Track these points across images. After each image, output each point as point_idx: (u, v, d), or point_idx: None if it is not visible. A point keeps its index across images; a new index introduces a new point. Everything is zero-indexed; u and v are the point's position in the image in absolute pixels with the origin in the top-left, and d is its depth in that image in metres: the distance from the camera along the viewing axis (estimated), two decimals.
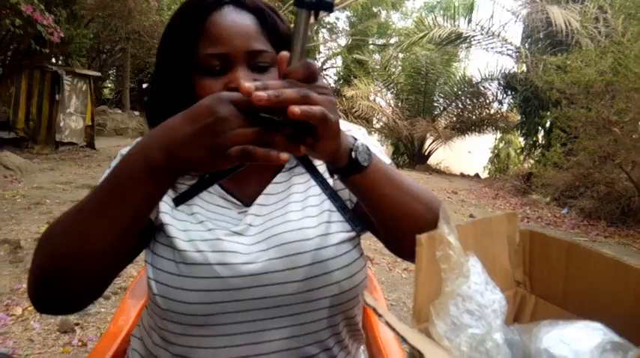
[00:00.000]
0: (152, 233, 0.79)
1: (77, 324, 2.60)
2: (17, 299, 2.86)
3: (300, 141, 0.56)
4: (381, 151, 0.89)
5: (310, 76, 0.55)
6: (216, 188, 0.82)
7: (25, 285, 3.03)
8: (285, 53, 0.56)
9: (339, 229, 0.80)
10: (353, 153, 0.63)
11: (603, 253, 0.58)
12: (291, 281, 0.74)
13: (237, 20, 0.75)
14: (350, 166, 0.63)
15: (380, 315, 0.48)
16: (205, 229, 0.77)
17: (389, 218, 0.69)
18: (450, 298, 0.54)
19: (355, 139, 0.64)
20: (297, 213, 0.80)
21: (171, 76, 0.77)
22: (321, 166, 0.85)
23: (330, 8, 0.54)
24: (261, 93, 0.51)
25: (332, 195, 0.57)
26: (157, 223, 0.79)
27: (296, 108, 0.51)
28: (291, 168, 0.86)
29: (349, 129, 0.89)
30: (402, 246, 0.73)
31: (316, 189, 0.83)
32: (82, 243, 0.59)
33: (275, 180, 0.84)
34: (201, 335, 0.74)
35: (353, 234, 0.81)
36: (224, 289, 0.72)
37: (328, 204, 0.82)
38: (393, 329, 0.46)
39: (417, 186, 0.71)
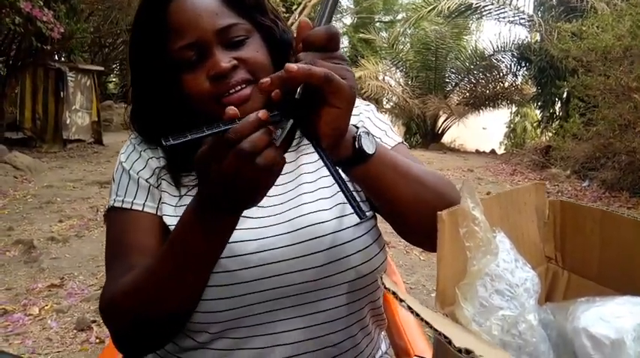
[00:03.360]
0: None
1: (94, 322, 2.62)
2: (34, 298, 2.89)
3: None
4: (391, 129, 0.85)
5: (330, 40, 0.52)
6: None
7: (40, 285, 3.08)
8: (305, 19, 0.54)
9: None
10: (356, 142, 0.59)
11: None
12: (310, 268, 0.71)
13: (196, 2, 0.71)
14: (354, 156, 0.59)
15: (401, 300, 0.43)
16: None
17: (397, 208, 0.65)
18: (478, 278, 0.49)
19: (357, 128, 0.60)
20: (310, 194, 0.77)
21: (152, 80, 0.75)
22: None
23: None
24: (266, 79, 0.49)
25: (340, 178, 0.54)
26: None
27: (294, 66, 0.48)
28: (297, 146, 0.82)
29: (357, 105, 0.85)
30: (413, 235, 0.70)
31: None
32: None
33: None
34: (219, 331, 0.71)
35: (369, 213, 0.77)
36: (236, 283, 0.69)
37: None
38: (417, 315, 0.42)
39: (425, 172, 0.67)
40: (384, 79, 14.08)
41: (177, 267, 0.61)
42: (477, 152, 12.73)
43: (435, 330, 0.40)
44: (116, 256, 0.72)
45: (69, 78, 8.76)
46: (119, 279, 0.67)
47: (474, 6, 10.96)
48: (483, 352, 0.36)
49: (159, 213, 0.75)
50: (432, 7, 11.11)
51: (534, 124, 13.33)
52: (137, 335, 0.67)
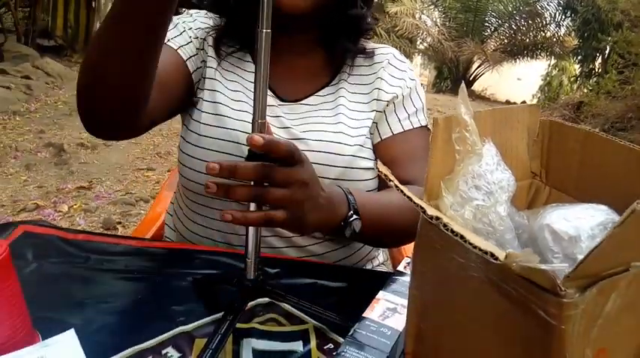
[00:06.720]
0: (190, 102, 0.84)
1: (119, 223, 2.78)
2: (63, 197, 3.06)
3: None
4: (423, 109, 0.90)
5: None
6: None
7: (69, 186, 3.24)
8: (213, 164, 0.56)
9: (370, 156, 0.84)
10: (347, 231, 0.70)
11: (619, 140, 0.58)
12: (322, 177, 0.77)
13: None
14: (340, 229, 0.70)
15: (391, 180, 0.51)
16: (239, 99, 0.82)
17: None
18: (461, 175, 0.56)
19: (350, 206, 0.70)
20: (338, 124, 0.83)
21: None
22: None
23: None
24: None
25: None
26: (196, 96, 0.84)
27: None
28: (338, 81, 0.88)
29: (404, 69, 0.91)
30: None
31: (361, 106, 0.87)
32: (109, 44, 0.62)
33: (321, 92, 0.87)
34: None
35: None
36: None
37: (369, 123, 0.85)
38: (402, 191, 0.50)
39: (400, 208, 0.76)
40: (420, 17, 13.50)
41: (122, 28, 0.60)
42: (507, 102, 12.39)
43: (414, 202, 0.48)
44: None
45: None
46: None
47: None
48: (449, 220, 0.43)
49: (185, 60, 0.81)
50: None
51: (571, 79, 12.80)
52: (91, 105, 0.69)
